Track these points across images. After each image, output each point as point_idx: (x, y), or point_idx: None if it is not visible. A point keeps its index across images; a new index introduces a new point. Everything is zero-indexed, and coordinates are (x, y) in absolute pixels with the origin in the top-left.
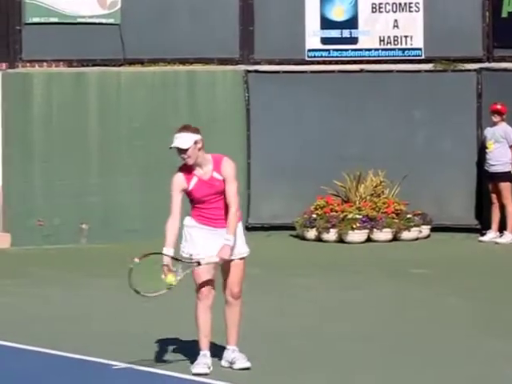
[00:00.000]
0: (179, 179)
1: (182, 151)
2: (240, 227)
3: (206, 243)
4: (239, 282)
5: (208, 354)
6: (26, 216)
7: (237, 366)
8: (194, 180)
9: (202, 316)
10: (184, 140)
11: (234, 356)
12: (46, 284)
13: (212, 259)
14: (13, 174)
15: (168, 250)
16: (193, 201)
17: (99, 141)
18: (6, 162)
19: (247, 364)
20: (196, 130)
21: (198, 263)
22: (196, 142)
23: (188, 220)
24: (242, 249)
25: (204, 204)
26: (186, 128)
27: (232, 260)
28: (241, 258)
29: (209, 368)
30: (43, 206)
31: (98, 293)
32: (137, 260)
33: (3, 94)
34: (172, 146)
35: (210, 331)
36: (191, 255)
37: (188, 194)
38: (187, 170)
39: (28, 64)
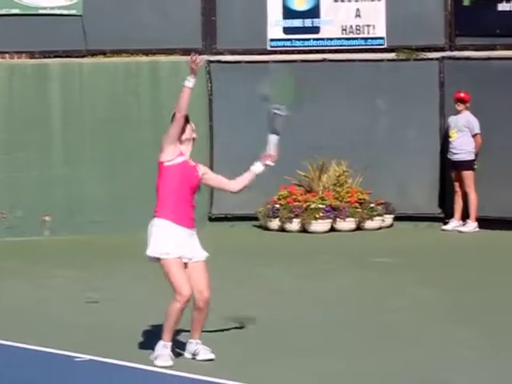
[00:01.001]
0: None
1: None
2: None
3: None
4: (209, 285)
5: (170, 345)
6: None
7: (200, 357)
8: (181, 159)
9: (179, 316)
10: None
11: (197, 348)
12: (9, 276)
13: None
14: None
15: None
16: (167, 190)
17: (62, 132)
18: None
19: (211, 355)
20: None
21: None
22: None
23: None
24: (203, 251)
25: (181, 195)
26: None
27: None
28: (202, 261)
29: (172, 360)
30: (5, 197)
31: (61, 284)
32: None
33: None
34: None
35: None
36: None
37: (169, 170)
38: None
39: None
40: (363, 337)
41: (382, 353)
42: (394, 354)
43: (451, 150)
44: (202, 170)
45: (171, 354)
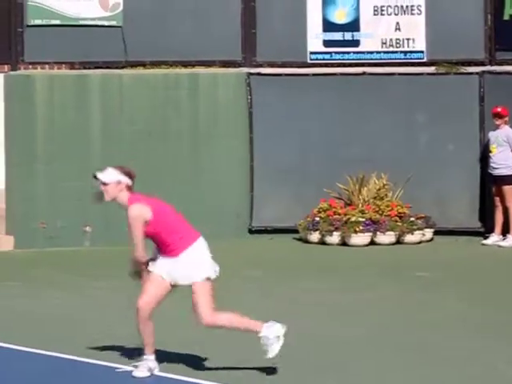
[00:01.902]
0: None
1: (101, 182)
2: (193, 252)
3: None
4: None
5: (150, 358)
6: (29, 218)
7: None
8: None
9: (140, 327)
10: (108, 174)
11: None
12: (49, 286)
13: None
14: (16, 176)
15: None
16: None
17: (101, 143)
18: (8, 164)
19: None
20: (127, 173)
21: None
22: (119, 182)
23: None
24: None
25: None
26: (119, 168)
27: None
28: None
29: (150, 371)
30: (46, 208)
31: (101, 295)
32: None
33: (5, 97)
34: (95, 174)
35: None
36: None
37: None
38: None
39: (30, 66)
40: (396, 351)
41: (415, 367)
42: (428, 368)
43: (491, 164)
44: None
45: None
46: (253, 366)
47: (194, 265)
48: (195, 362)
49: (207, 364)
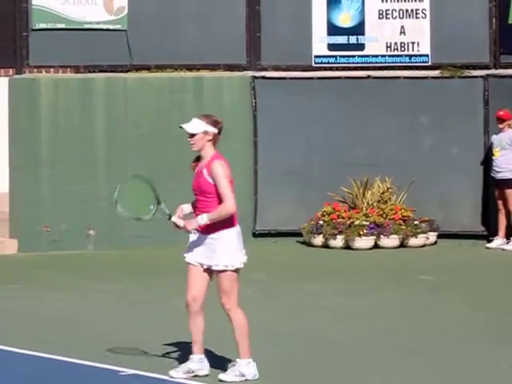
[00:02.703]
0: (192, 166)
1: (189, 135)
2: (231, 237)
3: (193, 247)
4: (223, 293)
5: (195, 358)
6: (33, 222)
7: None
8: (197, 169)
9: (190, 322)
10: (194, 125)
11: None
12: (53, 289)
13: (178, 221)
14: (20, 179)
15: (186, 206)
16: None
17: (106, 146)
18: (12, 167)
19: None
20: (214, 123)
21: (170, 216)
22: (206, 132)
23: None
24: (221, 260)
25: (195, 199)
26: (205, 116)
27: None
28: (221, 271)
29: (188, 373)
30: (50, 211)
31: (104, 299)
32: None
33: (10, 100)
34: (181, 125)
35: (198, 337)
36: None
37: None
38: (197, 160)
39: (35, 70)
40: (400, 353)
41: (419, 370)
42: (432, 371)
43: (494, 168)
44: (212, 176)
45: (192, 367)
46: (258, 368)
47: (235, 249)
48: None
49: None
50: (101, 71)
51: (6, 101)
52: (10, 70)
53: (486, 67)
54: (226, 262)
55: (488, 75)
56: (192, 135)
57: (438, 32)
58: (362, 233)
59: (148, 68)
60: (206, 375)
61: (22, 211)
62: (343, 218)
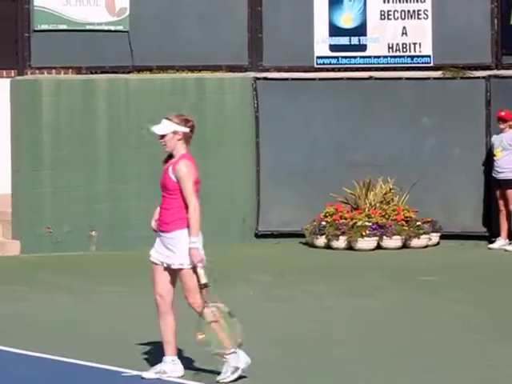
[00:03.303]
0: (164, 162)
1: (159, 136)
2: (184, 236)
3: (156, 245)
4: (187, 291)
5: (167, 359)
6: (36, 223)
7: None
8: (165, 166)
9: (160, 322)
10: (163, 127)
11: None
12: (55, 291)
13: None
14: (22, 181)
15: (153, 223)
16: None
17: (108, 148)
18: (15, 169)
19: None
20: (184, 121)
21: (205, 285)
22: (175, 132)
23: None
24: (177, 259)
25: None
26: (175, 116)
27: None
28: (180, 269)
29: (160, 373)
30: (52, 213)
31: (106, 300)
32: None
33: (12, 101)
34: (151, 128)
35: (170, 337)
36: None
37: None
38: (168, 158)
39: (37, 71)
40: (403, 354)
41: (422, 370)
42: (434, 372)
43: (496, 168)
44: (176, 175)
45: (164, 368)
46: (256, 368)
47: (185, 247)
48: (195, 364)
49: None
50: (103, 72)
51: (8, 102)
52: (12, 71)
53: (488, 68)
54: (181, 260)
55: (490, 76)
56: (162, 136)
57: (440, 33)
58: (364, 234)
59: (150, 69)
60: (181, 377)
61: (25, 212)
62: (346, 218)
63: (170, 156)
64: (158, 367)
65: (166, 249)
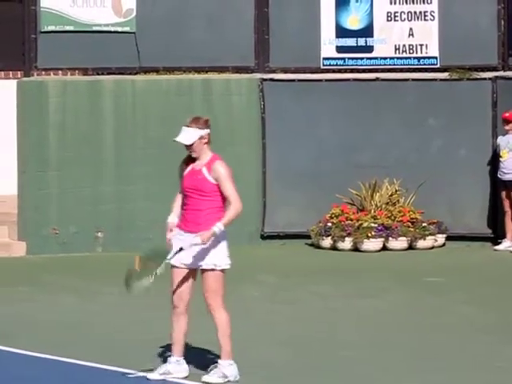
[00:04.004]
0: (181, 166)
1: (186, 146)
2: (222, 237)
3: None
4: (210, 292)
5: (172, 360)
6: (42, 224)
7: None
8: (189, 168)
9: (173, 322)
10: (189, 135)
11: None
12: (61, 292)
13: (195, 240)
14: (28, 182)
15: (172, 218)
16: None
17: (114, 149)
18: (21, 170)
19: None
20: (204, 123)
21: (181, 248)
22: (201, 138)
23: None
24: (211, 259)
25: (186, 198)
26: (194, 121)
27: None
28: (211, 269)
29: (165, 374)
30: (58, 214)
31: (112, 301)
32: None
33: (18, 103)
34: (176, 139)
35: (179, 338)
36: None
37: (181, 183)
38: (190, 159)
39: (43, 72)
40: (410, 356)
41: (429, 372)
42: (442, 374)
43: (502, 169)
44: (215, 176)
45: (169, 369)
46: (264, 369)
47: (225, 249)
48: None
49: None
50: (109, 73)
51: (15, 103)
52: (19, 72)
53: (495, 69)
54: (215, 261)
55: (496, 77)
56: (189, 145)
57: (447, 34)
58: (370, 235)
59: (156, 70)
60: (185, 377)
61: (31, 214)
62: (351, 220)
63: (190, 157)
64: (164, 368)
65: (196, 250)
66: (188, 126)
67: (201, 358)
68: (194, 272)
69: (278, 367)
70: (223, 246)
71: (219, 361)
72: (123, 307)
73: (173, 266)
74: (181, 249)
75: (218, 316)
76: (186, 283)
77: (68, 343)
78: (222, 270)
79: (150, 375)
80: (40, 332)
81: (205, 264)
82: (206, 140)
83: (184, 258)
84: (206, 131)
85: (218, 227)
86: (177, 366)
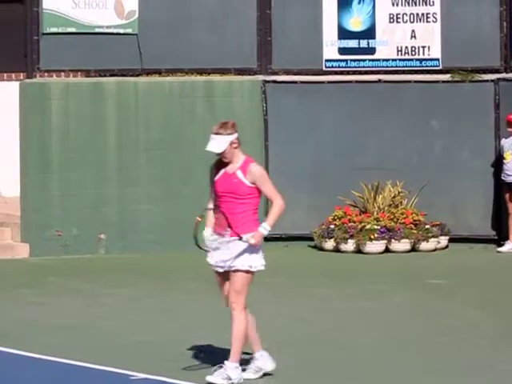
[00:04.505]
0: (211, 170)
1: (217, 154)
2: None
3: (215, 252)
4: (235, 292)
5: (257, 355)
6: (45, 226)
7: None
8: (221, 172)
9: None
10: (219, 143)
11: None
12: (64, 294)
13: (250, 240)
14: (31, 184)
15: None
16: (215, 199)
17: (117, 151)
18: (23, 172)
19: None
20: (232, 128)
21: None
22: (231, 143)
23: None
24: (236, 260)
25: (219, 201)
26: (222, 127)
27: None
28: (239, 270)
29: (257, 372)
30: (61, 216)
31: (115, 303)
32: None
33: (21, 104)
34: (207, 149)
35: (253, 335)
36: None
37: (214, 186)
38: (221, 163)
39: (46, 74)
40: (413, 357)
41: (429, 373)
42: (446, 375)
43: (505, 171)
44: (252, 178)
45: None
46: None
47: (261, 251)
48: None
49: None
50: (111, 75)
51: (17, 105)
52: (21, 74)
53: (497, 71)
54: (251, 262)
55: (499, 79)
56: (221, 153)
57: (449, 36)
58: (373, 237)
59: (159, 72)
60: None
61: (34, 216)
62: (354, 222)
63: (220, 160)
64: (253, 366)
65: (234, 251)
66: (216, 134)
67: (207, 359)
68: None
69: (281, 368)
70: (259, 248)
71: (225, 362)
72: (127, 309)
73: (214, 271)
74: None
75: (237, 316)
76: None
77: (70, 345)
78: (253, 272)
79: (246, 375)
80: (42, 333)
81: (240, 265)
82: (236, 144)
83: (220, 261)
84: (234, 136)
85: (264, 227)
86: (263, 360)
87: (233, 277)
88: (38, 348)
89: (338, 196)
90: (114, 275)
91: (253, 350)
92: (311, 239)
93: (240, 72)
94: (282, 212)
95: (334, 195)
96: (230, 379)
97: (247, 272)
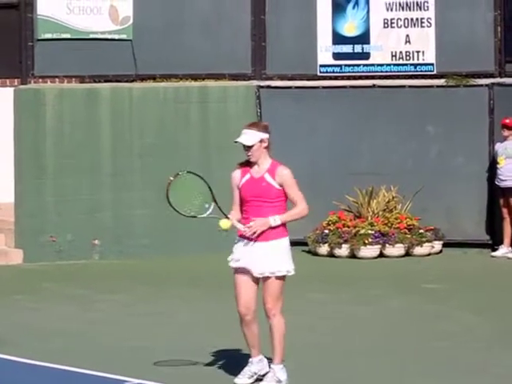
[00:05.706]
0: (235, 175)
1: (246, 147)
2: (285, 243)
3: (243, 255)
4: (272, 298)
5: (254, 360)
6: (39, 232)
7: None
8: (247, 177)
9: (244, 331)
10: (249, 137)
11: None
12: (59, 300)
13: (239, 225)
14: (25, 190)
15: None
16: (241, 204)
17: (111, 156)
18: (17, 178)
19: None
20: (264, 128)
21: (226, 216)
22: (262, 141)
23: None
24: (276, 266)
25: (246, 206)
26: (254, 125)
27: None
28: (279, 276)
29: (252, 377)
30: (55, 221)
31: (110, 308)
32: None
33: (15, 110)
34: (237, 140)
35: (256, 342)
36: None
37: (239, 191)
38: (246, 166)
39: (40, 80)
40: (408, 362)
41: (428, 379)
42: (440, 379)
43: (499, 176)
44: (280, 181)
45: (252, 370)
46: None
47: (288, 255)
48: (207, 371)
49: (221, 373)
50: (106, 81)
51: (11, 111)
52: (15, 80)
53: (491, 76)
54: (288, 267)
55: (493, 84)
56: (249, 147)
57: (443, 41)
58: (367, 242)
59: (153, 78)
60: (267, 373)
61: (28, 221)
62: (348, 226)
63: (243, 165)
64: (248, 371)
65: (266, 256)
66: (248, 129)
67: (203, 364)
68: (257, 279)
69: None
70: (290, 252)
71: (272, 365)
72: (122, 315)
73: (237, 274)
74: (226, 216)
75: (277, 322)
76: (252, 292)
77: (65, 351)
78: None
79: (238, 381)
80: (37, 339)
81: (278, 271)
82: (266, 144)
83: (253, 267)
84: (266, 135)
85: (275, 220)
86: (260, 364)
87: (270, 283)
88: (34, 354)
89: (332, 201)
90: (108, 281)
91: (252, 355)
92: (305, 244)
93: (234, 77)
94: (301, 216)
95: (329, 200)
96: (280, 381)
97: (284, 277)
